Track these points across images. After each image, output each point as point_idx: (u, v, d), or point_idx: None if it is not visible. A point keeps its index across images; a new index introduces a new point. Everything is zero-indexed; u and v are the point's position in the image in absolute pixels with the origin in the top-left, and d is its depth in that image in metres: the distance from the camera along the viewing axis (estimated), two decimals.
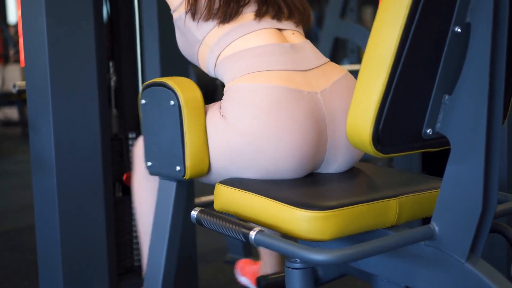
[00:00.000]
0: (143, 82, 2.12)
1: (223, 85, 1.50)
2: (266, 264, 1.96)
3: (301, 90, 1.38)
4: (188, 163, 1.42)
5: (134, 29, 2.12)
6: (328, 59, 1.50)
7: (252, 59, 1.42)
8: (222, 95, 1.46)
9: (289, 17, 1.52)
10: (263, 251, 1.96)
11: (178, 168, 1.44)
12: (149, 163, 1.51)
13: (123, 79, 2.12)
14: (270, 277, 1.67)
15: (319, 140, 1.40)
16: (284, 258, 2.09)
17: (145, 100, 1.49)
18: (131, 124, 2.14)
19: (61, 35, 1.77)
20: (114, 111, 2.13)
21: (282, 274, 1.68)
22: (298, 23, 1.54)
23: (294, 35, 1.50)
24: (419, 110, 1.18)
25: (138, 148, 1.65)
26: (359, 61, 4.70)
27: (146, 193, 1.64)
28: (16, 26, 8.13)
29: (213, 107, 1.44)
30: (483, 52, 1.13)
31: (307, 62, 1.45)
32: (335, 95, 1.42)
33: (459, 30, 1.15)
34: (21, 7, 1.81)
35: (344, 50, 5.81)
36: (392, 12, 1.10)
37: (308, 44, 1.50)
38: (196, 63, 1.57)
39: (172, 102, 1.42)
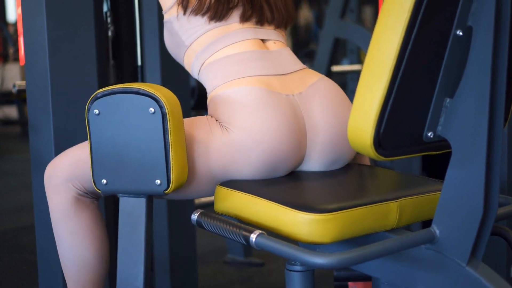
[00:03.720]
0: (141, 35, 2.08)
1: None
2: None
3: (279, 93, 1.44)
4: (174, 174, 1.33)
5: (134, 29, 2.12)
6: (305, 66, 1.56)
7: (232, 66, 1.47)
8: None
9: (272, 21, 1.57)
10: None
11: (158, 181, 1.33)
12: (104, 181, 1.37)
13: (121, 29, 2.11)
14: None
15: (300, 134, 1.44)
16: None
17: (98, 109, 1.34)
18: (129, 75, 2.12)
19: (62, 35, 1.77)
20: (111, 62, 2.11)
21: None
22: (279, 25, 1.59)
23: (275, 44, 1.56)
24: (420, 113, 1.18)
25: (56, 171, 1.48)
26: (358, 61, 4.70)
27: (75, 224, 1.48)
28: (15, 24, 8.12)
29: (210, 121, 1.44)
30: (485, 55, 1.13)
31: (284, 67, 1.51)
32: (312, 97, 1.48)
33: (461, 33, 1.15)
34: (22, 6, 1.80)
35: (344, 50, 5.81)
36: (393, 16, 1.10)
37: (286, 51, 1.56)
38: (181, 64, 1.60)
39: (151, 110, 1.31)
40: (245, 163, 1.41)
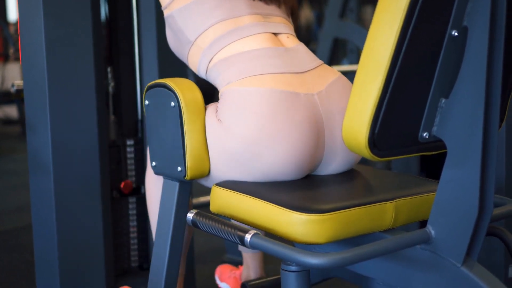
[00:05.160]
0: (141, 87, 2.11)
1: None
2: (249, 268, 1.92)
3: (297, 93, 1.39)
4: (188, 164, 1.42)
5: (132, 33, 2.12)
6: (322, 62, 1.51)
7: (247, 62, 1.41)
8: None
9: (280, 5, 1.54)
10: (246, 255, 1.92)
11: (179, 168, 1.44)
12: (154, 163, 1.52)
13: (121, 85, 2.11)
14: (255, 282, 1.67)
15: (317, 142, 1.40)
16: (266, 262, 2.11)
17: (148, 101, 1.50)
18: (129, 130, 2.13)
19: (59, 36, 1.77)
20: (112, 117, 2.12)
21: (267, 279, 1.70)
22: (278, 3, 1.55)
23: (288, 38, 1.50)
24: (415, 113, 1.18)
25: None
26: (358, 61, 4.70)
27: (157, 191, 1.63)
28: (16, 24, 8.11)
29: (210, 109, 1.44)
30: (480, 55, 1.13)
31: (302, 65, 1.45)
32: (331, 96, 1.43)
33: (456, 33, 1.15)
34: (19, 7, 1.80)
35: (344, 50, 5.80)
36: (388, 15, 1.10)
37: (302, 47, 1.50)
38: (185, 62, 1.56)
39: (172, 103, 1.42)
40: (240, 172, 1.39)
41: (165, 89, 1.44)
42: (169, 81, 1.44)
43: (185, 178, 1.44)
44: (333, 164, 1.45)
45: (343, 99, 1.43)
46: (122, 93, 2.12)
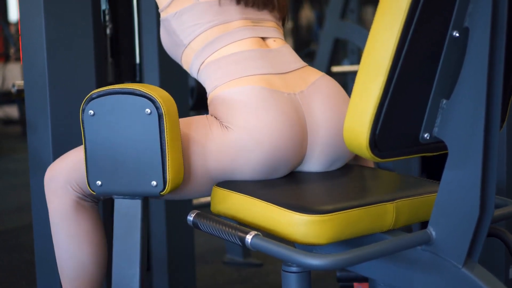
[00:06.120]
0: (139, 30, 2.12)
1: None
2: None
3: (281, 92, 1.43)
4: (170, 175, 1.32)
5: (132, 27, 2.13)
6: (305, 64, 1.55)
7: (232, 65, 1.45)
8: None
9: (273, 9, 1.56)
10: None
11: (154, 183, 1.32)
12: (99, 182, 1.36)
13: (119, 28, 2.13)
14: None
15: (301, 134, 1.43)
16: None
17: (93, 110, 1.34)
18: (127, 73, 2.14)
19: (60, 36, 1.77)
20: (110, 59, 2.14)
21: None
22: (271, 10, 1.56)
23: (275, 41, 1.55)
24: (416, 114, 1.18)
25: (55, 174, 1.47)
26: (359, 61, 4.69)
27: (74, 227, 1.47)
28: (17, 24, 8.10)
29: (215, 124, 1.43)
30: (481, 56, 1.12)
31: (285, 66, 1.49)
32: (313, 96, 1.47)
33: (457, 34, 1.15)
34: (20, 7, 1.81)
35: (345, 51, 5.80)
36: (389, 16, 1.10)
37: (286, 49, 1.54)
38: (179, 62, 1.59)
39: (148, 110, 1.31)
40: (244, 164, 1.40)
41: (134, 96, 1.31)
42: (140, 87, 1.33)
43: (162, 193, 1.33)
44: (318, 160, 1.48)
45: (325, 98, 1.47)
46: (120, 35, 2.12)
